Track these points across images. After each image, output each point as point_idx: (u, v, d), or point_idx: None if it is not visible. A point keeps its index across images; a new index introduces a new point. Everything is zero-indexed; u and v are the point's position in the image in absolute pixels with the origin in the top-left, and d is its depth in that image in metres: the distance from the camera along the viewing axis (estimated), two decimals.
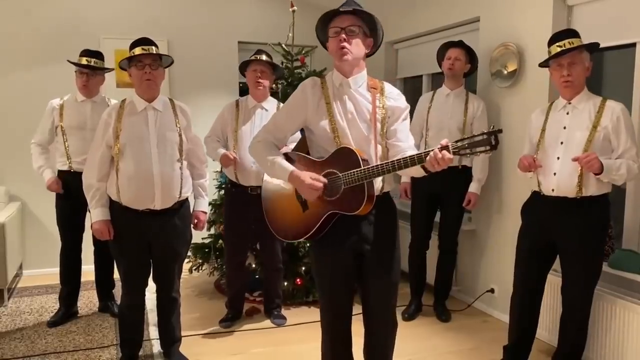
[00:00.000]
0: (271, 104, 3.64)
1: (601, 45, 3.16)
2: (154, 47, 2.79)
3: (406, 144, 2.21)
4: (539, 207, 2.83)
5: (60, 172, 3.65)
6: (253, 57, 3.55)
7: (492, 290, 3.90)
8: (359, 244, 2.21)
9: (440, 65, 3.82)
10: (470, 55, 3.72)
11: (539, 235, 2.82)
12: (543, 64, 2.80)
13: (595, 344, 3.01)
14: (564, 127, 2.71)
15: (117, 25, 4.87)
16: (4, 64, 4.64)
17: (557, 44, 2.63)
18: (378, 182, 2.18)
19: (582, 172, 2.61)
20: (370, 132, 2.17)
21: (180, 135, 2.86)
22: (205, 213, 3.14)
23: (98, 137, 2.83)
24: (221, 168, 4.33)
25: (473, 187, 3.70)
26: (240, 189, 3.56)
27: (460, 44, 3.70)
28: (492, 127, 1.88)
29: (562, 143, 2.70)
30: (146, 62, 2.76)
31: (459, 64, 3.67)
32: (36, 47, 4.69)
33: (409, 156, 1.99)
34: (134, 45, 2.79)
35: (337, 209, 2.13)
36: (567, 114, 2.72)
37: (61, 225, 3.69)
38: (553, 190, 2.72)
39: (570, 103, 2.72)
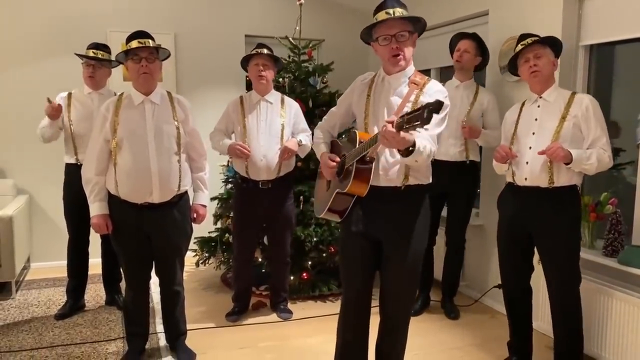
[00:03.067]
0: (275, 97, 3.62)
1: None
2: (150, 40, 2.77)
3: (422, 135, 2.16)
4: (513, 198, 2.88)
5: (67, 165, 3.67)
6: (254, 52, 3.54)
7: (499, 286, 3.85)
8: (378, 228, 2.31)
9: (452, 56, 3.77)
10: (482, 48, 3.66)
11: (515, 226, 2.87)
12: (511, 69, 2.91)
13: (604, 341, 2.99)
14: (536, 119, 2.79)
15: (124, 18, 4.86)
16: (10, 58, 4.64)
17: (522, 43, 2.78)
18: (400, 175, 2.25)
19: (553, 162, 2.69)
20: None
21: (177, 128, 2.85)
22: (205, 207, 3.12)
23: (96, 131, 2.82)
24: (228, 162, 4.33)
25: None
26: (250, 184, 3.54)
27: (471, 36, 3.65)
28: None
29: (533, 133, 2.78)
30: (143, 55, 2.75)
31: (468, 56, 3.62)
32: (43, 40, 4.70)
33: (373, 136, 2.12)
34: (130, 38, 2.77)
35: (339, 187, 2.31)
36: (539, 106, 2.81)
37: (68, 219, 3.71)
38: (526, 179, 2.77)
39: (541, 97, 2.80)
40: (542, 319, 3.36)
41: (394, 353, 2.51)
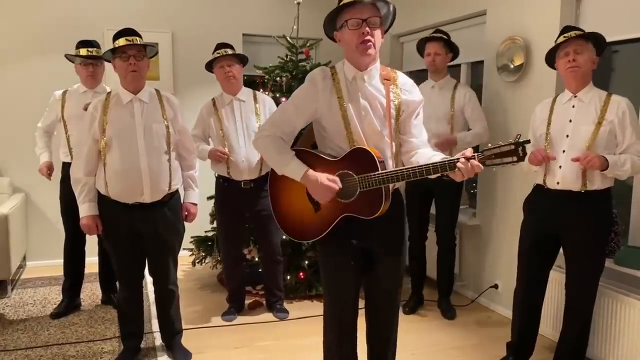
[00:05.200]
0: (247, 94, 3.62)
1: (610, 39, 3.14)
2: (137, 38, 2.75)
3: (419, 140, 2.16)
4: (542, 200, 2.82)
5: (63, 164, 3.66)
6: (217, 54, 3.54)
7: (495, 286, 3.88)
8: (367, 240, 2.16)
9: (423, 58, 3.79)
10: (449, 45, 3.67)
11: (542, 228, 2.82)
12: (550, 61, 2.80)
13: (598, 341, 3.00)
14: (570, 121, 2.71)
15: (121, 17, 4.84)
16: (6, 56, 4.62)
17: (564, 35, 2.66)
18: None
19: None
20: (384, 128, 2.09)
21: (167, 127, 2.83)
22: (196, 205, 3.11)
23: (84, 131, 2.80)
24: None
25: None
26: (232, 184, 3.54)
27: (437, 38, 3.66)
28: (518, 137, 1.85)
29: (567, 136, 2.70)
30: (131, 53, 2.72)
31: (440, 58, 3.63)
32: (39, 38, 4.68)
33: (432, 164, 1.93)
34: (117, 36, 2.75)
35: (353, 212, 2.06)
36: (573, 107, 2.72)
37: (65, 218, 3.69)
38: (558, 183, 2.71)
39: (576, 96, 2.71)
40: (543, 322, 3.35)
41: (390, 356, 2.43)
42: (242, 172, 3.49)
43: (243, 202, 3.55)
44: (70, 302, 3.77)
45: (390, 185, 2.08)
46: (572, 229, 2.70)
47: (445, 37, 3.68)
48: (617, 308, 2.90)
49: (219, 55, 3.53)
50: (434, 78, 3.73)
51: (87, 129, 2.77)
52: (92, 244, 3.78)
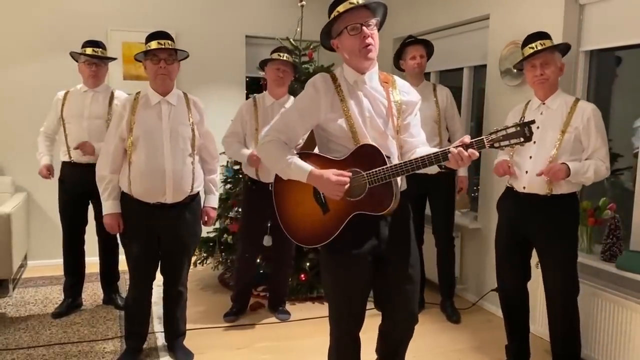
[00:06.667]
0: (289, 103, 3.62)
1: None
2: (169, 42, 2.80)
3: (418, 140, 2.19)
4: (511, 203, 2.92)
5: (63, 163, 3.67)
6: (276, 56, 3.53)
7: (497, 290, 3.88)
8: (378, 246, 2.13)
9: (397, 65, 3.84)
10: (429, 49, 3.75)
11: (515, 230, 2.90)
12: (517, 66, 2.90)
13: (599, 345, 3.00)
14: (537, 127, 2.76)
15: (125, 17, 4.86)
16: (10, 55, 4.63)
17: (529, 45, 2.72)
18: (399, 181, 2.11)
19: None
20: (387, 129, 2.12)
21: (193, 130, 2.87)
22: (215, 209, 3.14)
23: (112, 129, 2.83)
24: (227, 163, 4.34)
25: (461, 171, 3.73)
26: (259, 186, 3.55)
27: (419, 41, 3.72)
28: (522, 118, 1.89)
29: (534, 142, 2.76)
30: (162, 56, 2.77)
31: (424, 60, 3.72)
32: (43, 38, 4.68)
33: (434, 154, 1.96)
34: (149, 38, 2.79)
35: (363, 209, 2.05)
36: (541, 114, 2.80)
37: (63, 217, 3.70)
38: (524, 187, 2.80)
39: (544, 103, 2.79)
40: (539, 323, 3.37)
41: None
42: (271, 173, 3.47)
43: (268, 204, 3.54)
44: (71, 302, 3.77)
45: (399, 186, 2.10)
46: (541, 231, 2.78)
47: (425, 40, 3.76)
48: (618, 312, 2.91)
49: (278, 57, 3.52)
50: (414, 83, 3.66)
51: (115, 127, 2.81)
52: (92, 243, 3.79)
